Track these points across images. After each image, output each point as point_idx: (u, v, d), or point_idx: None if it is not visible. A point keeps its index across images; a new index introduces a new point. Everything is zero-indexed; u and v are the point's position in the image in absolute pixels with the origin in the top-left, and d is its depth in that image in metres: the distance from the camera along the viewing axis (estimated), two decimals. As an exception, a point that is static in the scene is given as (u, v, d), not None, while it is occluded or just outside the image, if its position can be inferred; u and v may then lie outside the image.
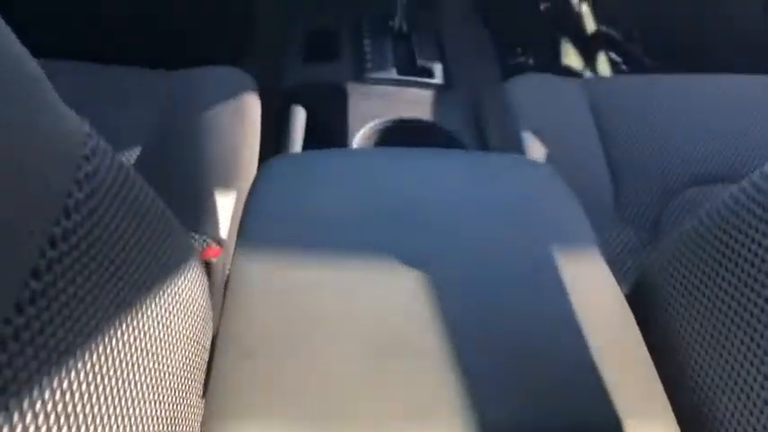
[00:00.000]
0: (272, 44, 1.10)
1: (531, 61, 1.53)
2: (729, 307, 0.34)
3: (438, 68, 0.93)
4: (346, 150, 0.62)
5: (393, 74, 0.91)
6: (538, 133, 0.74)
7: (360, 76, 0.91)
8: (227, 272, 0.58)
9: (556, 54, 1.54)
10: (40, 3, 1.36)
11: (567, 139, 0.76)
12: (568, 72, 1.53)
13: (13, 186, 0.23)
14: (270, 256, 0.43)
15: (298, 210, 0.46)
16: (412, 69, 0.93)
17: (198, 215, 0.67)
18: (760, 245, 0.33)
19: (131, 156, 0.73)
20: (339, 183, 0.48)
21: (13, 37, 0.26)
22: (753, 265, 0.33)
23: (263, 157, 0.77)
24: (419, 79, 0.91)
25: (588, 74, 1.52)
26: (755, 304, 0.33)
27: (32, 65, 0.27)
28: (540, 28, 1.55)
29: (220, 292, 0.55)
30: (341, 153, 0.52)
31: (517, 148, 0.73)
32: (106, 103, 0.78)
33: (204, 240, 0.66)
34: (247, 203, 0.49)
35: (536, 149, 0.73)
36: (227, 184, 0.68)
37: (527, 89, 0.81)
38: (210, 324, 0.44)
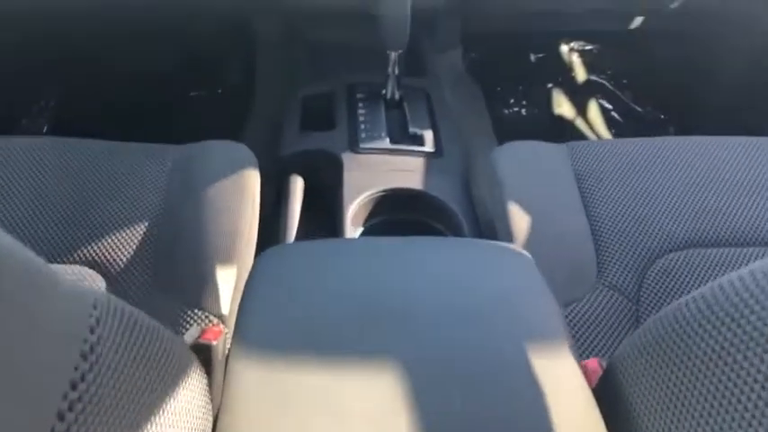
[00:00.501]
0: (271, 112, 1.15)
1: (523, 111, 1.57)
2: (683, 405, 0.37)
3: (429, 136, 0.97)
4: (335, 243, 0.65)
5: (386, 143, 0.95)
6: (523, 202, 0.78)
7: (354, 146, 0.95)
8: (227, 347, 0.61)
9: (548, 103, 1.59)
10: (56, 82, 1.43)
11: (550, 205, 0.79)
12: (560, 121, 1.57)
13: (15, 378, 0.26)
14: (263, 361, 0.46)
15: (289, 308, 0.49)
16: (404, 138, 0.97)
17: (200, 290, 0.71)
18: (706, 353, 0.36)
19: (139, 230, 0.77)
20: (328, 278, 0.51)
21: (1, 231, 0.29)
22: (704, 370, 0.36)
23: (262, 227, 0.81)
24: (410, 148, 0.95)
25: (580, 123, 1.57)
26: (711, 406, 0.36)
27: (29, 254, 0.30)
28: (532, 79, 1.59)
29: (221, 368, 0.58)
30: (330, 246, 0.56)
31: (503, 216, 0.76)
32: (114, 177, 0.82)
33: (206, 316, 0.69)
34: (244, 299, 0.52)
35: (521, 218, 0.76)
36: (227, 261, 0.72)
37: (512, 157, 0.84)
38: (210, 417, 0.47)
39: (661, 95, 1.56)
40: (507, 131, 1.51)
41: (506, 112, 1.56)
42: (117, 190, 0.81)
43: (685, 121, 1.51)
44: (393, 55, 0.97)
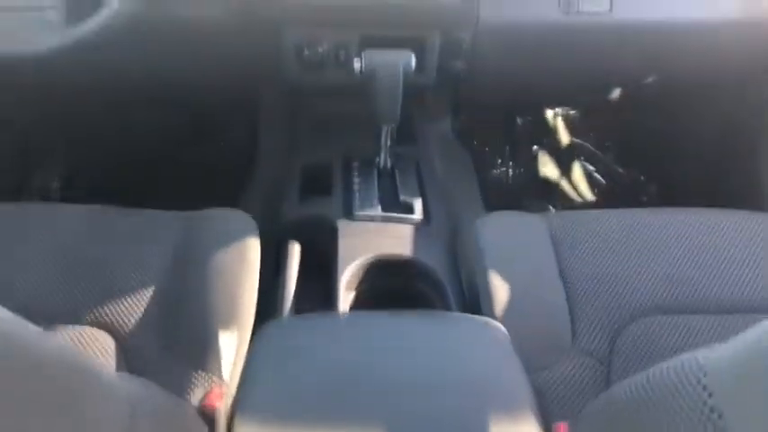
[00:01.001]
0: (271, 178, 1.23)
1: (510, 172, 1.66)
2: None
3: (418, 204, 1.04)
4: (329, 319, 0.72)
5: (378, 211, 1.02)
6: (503, 272, 0.84)
7: (349, 213, 1.02)
8: (228, 411, 0.67)
9: (534, 164, 1.67)
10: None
11: (529, 275, 0.86)
12: (545, 182, 1.65)
13: None
14: (264, 427, 0.52)
15: (288, 379, 0.55)
16: (395, 206, 1.04)
17: (204, 353, 0.76)
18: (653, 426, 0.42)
19: (146, 294, 0.82)
20: (321, 354, 0.57)
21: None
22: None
23: (261, 290, 0.87)
24: (401, 215, 1.02)
25: (564, 183, 1.65)
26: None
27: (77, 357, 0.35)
28: (518, 141, 1.68)
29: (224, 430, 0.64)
30: (324, 322, 0.62)
31: (484, 286, 0.83)
32: (123, 242, 0.88)
33: (209, 378, 0.75)
34: (246, 369, 0.58)
35: (501, 288, 0.82)
36: (229, 326, 0.78)
37: (494, 228, 0.91)
38: None
39: (641, 157, 1.64)
40: (495, 191, 1.59)
41: (494, 172, 1.64)
42: (125, 255, 0.87)
43: (666, 182, 1.59)
44: (385, 128, 1.05)
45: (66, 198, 1.53)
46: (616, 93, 1.39)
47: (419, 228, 1.01)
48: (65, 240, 0.88)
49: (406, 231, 0.99)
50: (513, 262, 0.87)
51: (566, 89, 1.39)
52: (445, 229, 1.02)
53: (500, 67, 1.19)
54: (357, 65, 0.99)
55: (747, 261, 0.88)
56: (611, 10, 1.10)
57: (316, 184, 1.11)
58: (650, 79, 1.26)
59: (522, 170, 1.65)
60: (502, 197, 1.57)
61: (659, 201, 1.60)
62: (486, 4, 1.08)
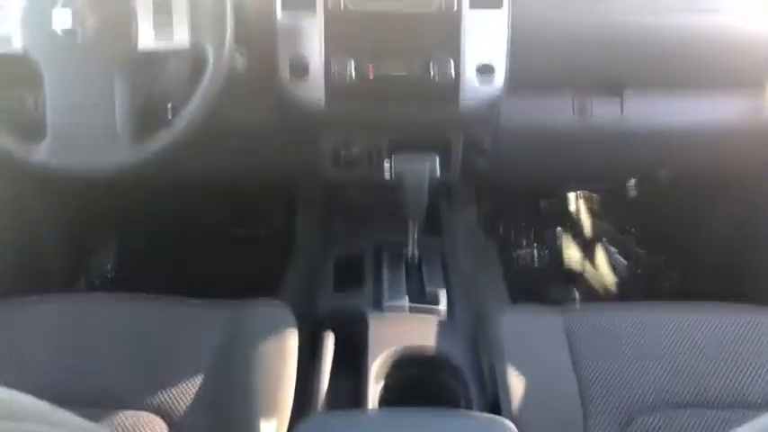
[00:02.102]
0: (307, 268, 1.33)
1: (534, 253, 1.73)
2: None
3: (443, 295, 1.12)
4: (360, 417, 0.79)
5: (405, 302, 1.10)
6: (520, 367, 0.91)
7: (378, 305, 1.11)
8: None
9: (557, 246, 1.74)
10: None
11: (544, 368, 0.92)
12: (569, 265, 1.72)
13: None
14: None
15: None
16: (421, 296, 1.12)
17: None
18: None
19: (195, 382, 0.91)
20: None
21: None
22: None
23: (300, 378, 0.95)
24: (427, 306, 1.10)
25: (588, 266, 1.71)
26: None
27: None
28: (542, 224, 1.76)
29: None
30: (356, 419, 0.69)
31: (503, 381, 0.90)
32: (173, 333, 0.97)
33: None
34: None
35: (518, 382, 0.89)
36: (269, 414, 0.86)
37: (513, 323, 0.98)
38: None
39: (662, 241, 1.70)
40: (520, 274, 1.66)
41: (519, 254, 1.72)
42: (177, 344, 0.96)
43: (687, 266, 1.64)
44: (412, 222, 1.15)
45: (119, 280, 1.65)
46: (632, 182, 1.47)
47: (444, 319, 1.08)
48: (122, 329, 0.97)
49: (431, 323, 1.07)
50: (529, 357, 0.94)
51: (582, 180, 1.48)
52: (469, 321, 1.10)
53: (519, 162, 1.29)
54: (387, 167, 1.10)
55: (757, 358, 0.93)
56: (621, 114, 1.19)
57: (349, 273, 1.20)
58: (662, 173, 1.34)
59: (546, 252, 1.72)
60: (527, 280, 1.64)
61: (681, 284, 1.64)
62: (506, 109, 1.18)
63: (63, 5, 0.91)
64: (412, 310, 1.10)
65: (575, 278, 1.69)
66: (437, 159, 1.09)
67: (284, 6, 1.07)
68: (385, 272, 1.17)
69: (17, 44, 0.93)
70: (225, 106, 0.97)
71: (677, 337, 0.96)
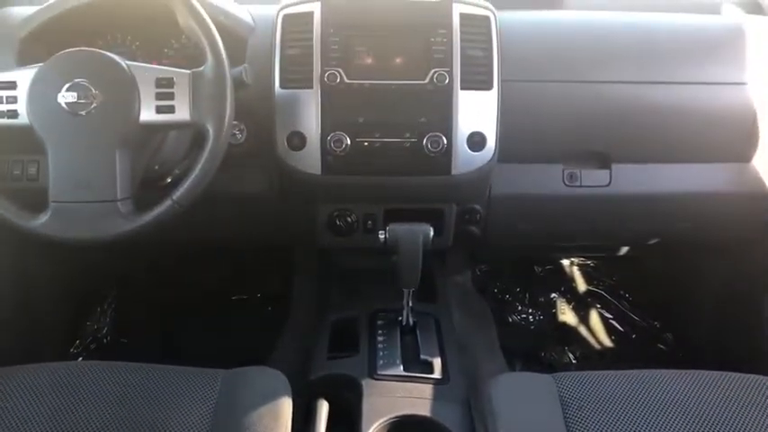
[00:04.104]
0: (302, 333, 1.34)
1: (530, 318, 1.74)
2: None
3: (437, 363, 1.13)
4: None
5: (400, 370, 1.11)
6: (514, 431, 0.91)
7: (373, 372, 1.11)
8: None
9: (552, 311, 1.75)
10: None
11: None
12: (564, 328, 1.73)
13: None
14: None
15: None
16: (416, 364, 1.13)
17: None
18: None
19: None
20: None
21: None
22: None
23: None
24: (421, 375, 1.11)
25: (582, 329, 1.72)
26: None
27: None
28: (537, 288, 1.77)
29: None
30: None
31: None
32: (166, 401, 0.97)
33: None
34: None
35: None
36: None
37: (507, 389, 0.99)
38: None
39: (655, 305, 1.72)
40: (515, 337, 1.67)
41: (514, 318, 1.73)
42: (170, 411, 0.96)
43: (680, 329, 1.65)
44: (406, 290, 1.16)
45: (113, 343, 1.66)
46: (623, 250, 1.50)
47: (438, 387, 1.09)
48: (115, 396, 0.97)
49: (425, 390, 1.07)
50: (524, 425, 0.94)
51: (574, 246, 1.51)
52: (463, 388, 1.10)
53: (511, 228, 1.31)
54: (382, 236, 1.12)
55: (751, 428, 0.93)
56: (609, 184, 1.23)
57: (343, 339, 1.21)
58: (653, 241, 1.37)
59: (541, 316, 1.74)
60: (522, 343, 1.65)
61: (676, 346, 1.65)
62: (498, 180, 1.21)
63: (68, 89, 0.95)
64: (406, 378, 1.10)
65: (570, 341, 1.70)
66: (431, 229, 1.11)
67: (282, 84, 1.12)
68: (379, 339, 1.18)
69: (24, 119, 0.97)
70: (223, 175, 1.00)
71: (668, 403, 0.97)
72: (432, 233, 1.12)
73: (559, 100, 1.19)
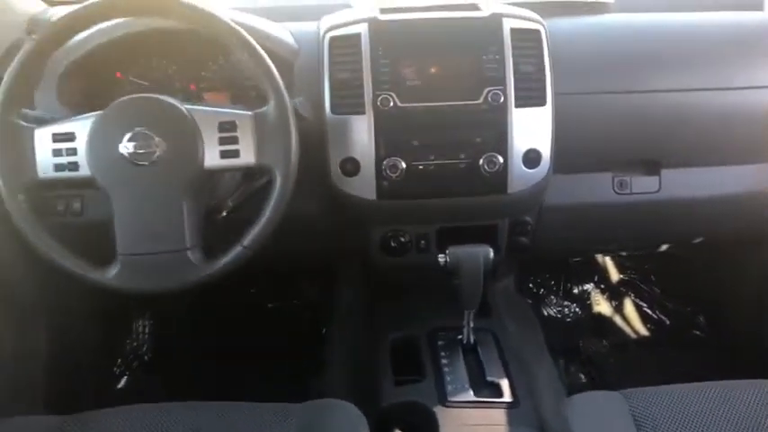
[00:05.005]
0: (354, 354, 1.34)
1: (566, 311, 1.76)
2: None
3: (505, 385, 1.13)
4: None
5: (470, 395, 1.10)
6: None
7: (443, 399, 1.10)
8: None
9: (588, 302, 1.77)
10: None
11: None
12: (600, 317, 1.75)
13: None
14: None
15: None
16: (483, 388, 1.12)
17: None
18: None
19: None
20: None
21: None
22: None
23: None
24: (492, 400, 1.10)
25: (618, 319, 1.74)
26: None
27: None
28: (572, 281, 1.79)
29: None
30: None
31: None
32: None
33: None
34: None
35: None
36: None
37: (581, 410, 1.00)
38: None
39: (689, 292, 1.74)
40: (552, 330, 1.68)
41: (551, 311, 1.75)
42: None
43: (714, 316, 1.68)
44: (467, 312, 1.16)
45: (154, 362, 1.65)
46: (663, 247, 1.51)
47: (510, 410, 1.09)
48: None
49: (498, 416, 1.07)
50: None
51: (618, 247, 1.52)
52: (533, 410, 1.11)
53: (559, 237, 1.32)
54: (442, 259, 1.12)
55: None
56: (659, 190, 1.23)
57: (405, 360, 1.21)
58: (697, 240, 1.38)
59: (576, 308, 1.75)
60: (560, 337, 1.66)
61: (710, 331, 1.68)
62: (549, 190, 1.20)
63: (130, 139, 0.92)
64: (477, 404, 1.10)
65: (606, 331, 1.72)
66: (491, 251, 1.11)
67: (333, 110, 1.10)
68: (444, 361, 1.18)
69: (85, 171, 0.95)
70: None
71: (742, 418, 0.98)
72: (492, 254, 1.11)
73: (611, 110, 1.18)
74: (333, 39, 1.12)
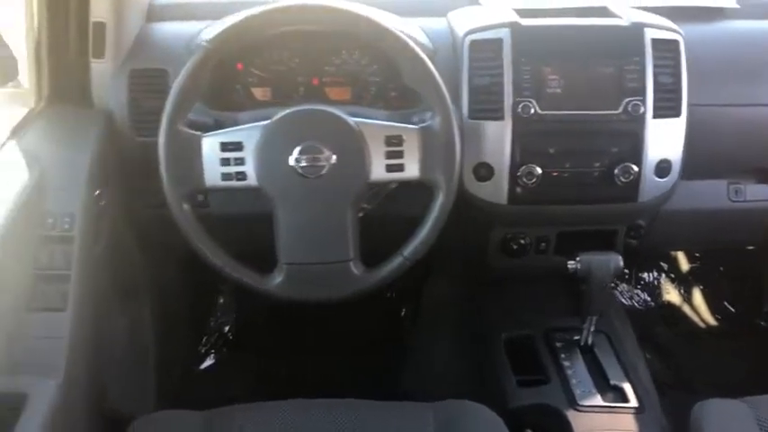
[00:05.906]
0: (476, 355, 1.36)
1: (636, 301, 1.80)
2: None
3: (629, 389, 1.15)
4: None
5: (599, 400, 1.12)
6: None
7: (573, 403, 1.11)
8: None
9: (656, 292, 1.81)
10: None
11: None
12: (668, 307, 1.79)
13: None
14: None
15: None
16: (608, 392, 1.13)
17: None
18: None
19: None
20: None
21: None
22: None
23: None
24: (621, 405, 1.12)
25: (686, 308, 1.79)
26: None
27: None
28: (640, 270, 1.83)
29: None
30: None
31: None
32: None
33: None
34: None
35: None
36: None
37: (711, 418, 1.04)
38: None
39: (755, 278, 1.78)
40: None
41: (624, 302, 1.78)
42: None
43: None
44: (590, 317, 1.19)
45: (238, 341, 1.67)
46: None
47: (638, 415, 1.12)
48: None
49: (628, 421, 1.10)
50: None
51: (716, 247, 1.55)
52: (659, 415, 1.15)
53: (667, 240, 1.34)
54: (572, 266, 1.14)
55: None
56: None
57: (522, 360, 1.24)
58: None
59: (647, 298, 1.79)
60: (634, 327, 1.70)
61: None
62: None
63: (300, 152, 0.92)
64: (607, 408, 1.12)
65: (676, 320, 1.77)
66: (620, 259, 1.13)
67: (471, 115, 1.10)
68: (565, 364, 1.21)
69: (252, 181, 0.94)
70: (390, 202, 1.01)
71: None
72: (621, 263, 1.13)
73: (737, 121, 1.20)
74: (473, 42, 1.11)
